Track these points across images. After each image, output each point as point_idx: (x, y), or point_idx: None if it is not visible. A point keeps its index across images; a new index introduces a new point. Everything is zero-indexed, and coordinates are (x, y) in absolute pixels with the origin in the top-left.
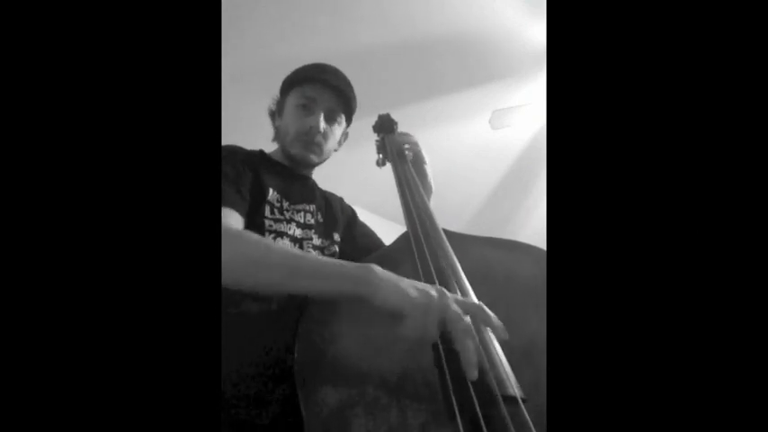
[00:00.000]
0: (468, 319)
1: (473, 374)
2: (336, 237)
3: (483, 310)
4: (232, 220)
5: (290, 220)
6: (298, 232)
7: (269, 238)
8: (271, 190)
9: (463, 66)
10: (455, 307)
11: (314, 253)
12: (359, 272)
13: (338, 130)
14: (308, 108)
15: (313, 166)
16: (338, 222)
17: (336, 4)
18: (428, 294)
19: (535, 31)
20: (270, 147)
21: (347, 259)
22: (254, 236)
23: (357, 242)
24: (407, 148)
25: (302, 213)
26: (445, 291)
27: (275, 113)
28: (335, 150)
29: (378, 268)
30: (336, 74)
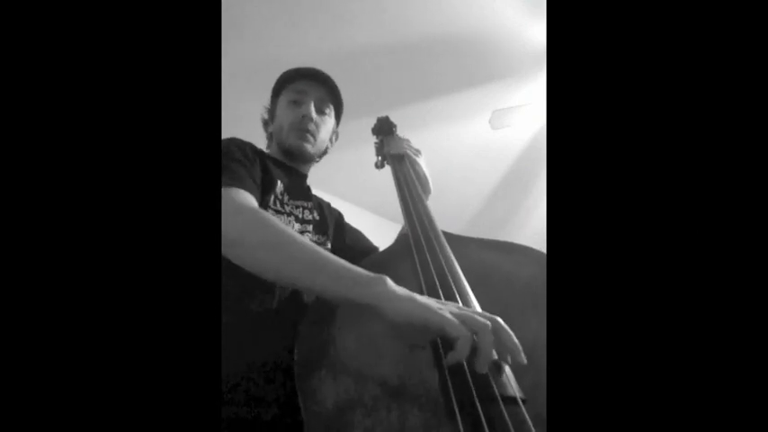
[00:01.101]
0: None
1: (483, 368)
2: (330, 235)
3: (497, 320)
4: (245, 198)
5: (290, 214)
6: (297, 227)
7: (285, 224)
8: (279, 182)
9: (463, 66)
10: (469, 311)
11: None
12: (371, 281)
13: (329, 121)
14: (299, 101)
15: (308, 157)
16: (329, 223)
17: (336, 5)
18: (440, 309)
19: (535, 31)
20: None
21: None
22: (271, 217)
23: (347, 244)
24: (404, 152)
25: (301, 209)
26: (452, 303)
27: (268, 120)
28: (328, 148)
29: (390, 281)
30: (321, 72)
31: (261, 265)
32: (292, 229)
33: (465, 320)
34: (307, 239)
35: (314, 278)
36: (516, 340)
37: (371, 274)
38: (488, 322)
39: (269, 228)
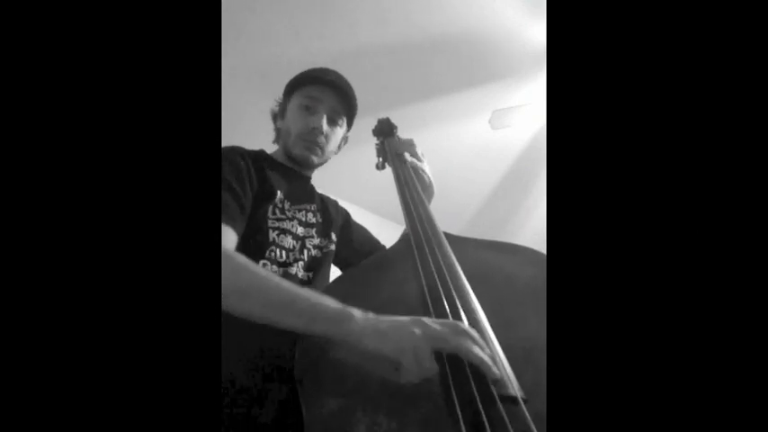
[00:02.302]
0: (457, 337)
1: (495, 374)
2: (333, 236)
3: (465, 329)
4: (226, 239)
5: (292, 219)
6: (300, 231)
7: (255, 265)
8: (278, 192)
9: (463, 66)
10: (441, 329)
11: (314, 252)
12: (337, 318)
13: (339, 132)
14: (311, 109)
15: (313, 167)
16: (334, 223)
17: (336, 5)
18: (411, 333)
19: (535, 32)
20: (269, 148)
21: (344, 259)
22: (246, 262)
23: (353, 244)
24: (408, 156)
25: (304, 212)
26: (423, 319)
27: (277, 115)
28: (335, 153)
29: (356, 313)
30: (339, 77)
31: (237, 310)
32: (296, 232)
33: (440, 345)
34: (274, 279)
35: (286, 320)
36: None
37: (337, 309)
38: (461, 340)
39: (241, 274)
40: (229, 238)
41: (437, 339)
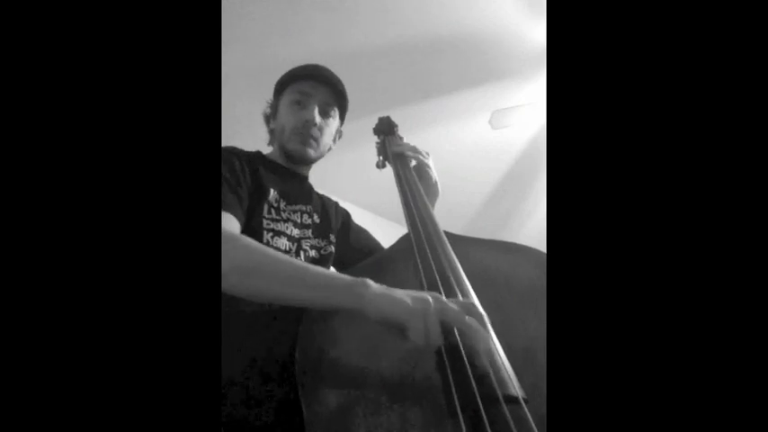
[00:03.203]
0: (468, 317)
1: (486, 365)
2: (332, 238)
3: (478, 310)
4: (228, 224)
5: (287, 220)
6: (295, 232)
7: (264, 245)
8: (271, 190)
9: (463, 66)
10: (454, 306)
11: (311, 252)
12: (352, 285)
13: (333, 124)
14: (302, 103)
15: (310, 161)
16: (333, 224)
17: (336, 5)
18: (424, 300)
19: (535, 32)
20: (266, 150)
21: (342, 260)
22: (250, 242)
23: (352, 245)
24: (411, 157)
25: (299, 213)
26: (440, 296)
27: (269, 116)
28: (330, 148)
29: (371, 282)
30: (328, 71)
31: (243, 289)
32: (291, 234)
33: (450, 318)
34: (284, 256)
35: (296, 292)
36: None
37: (351, 279)
38: (473, 320)
39: (245, 252)
40: (232, 223)
41: (449, 311)
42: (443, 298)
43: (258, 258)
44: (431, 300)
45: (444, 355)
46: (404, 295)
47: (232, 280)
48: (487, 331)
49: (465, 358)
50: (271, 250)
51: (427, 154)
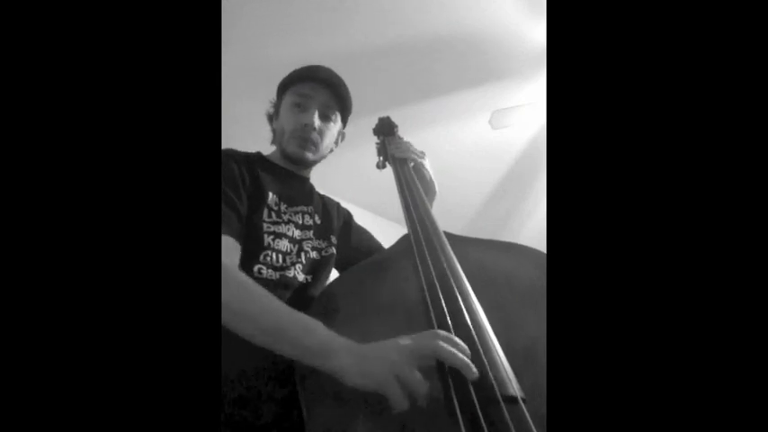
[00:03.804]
0: (438, 343)
1: (473, 375)
2: (333, 239)
3: (449, 337)
4: (227, 248)
5: (288, 222)
6: (296, 233)
7: (256, 285)
8: (270, 194)
9: (463, 66)
10: (419, 346)
11: (312, 254)
12: (327, 352)
13: (334, 127)
14: (302, 106)
15: (309, 164)
16: (335, 225)
17: (336, 5)
18: (391, 363)
19: (535, 32)
20: (267, 149)
21: (344, 261)
22: (239, 282)
23: (353, 245)
24: (408, 159)
25: (300, 215)
26: (399, 341)
27: (272, 116)
28: (332, 150)
29: (342, 348)
30: (331, 73)
31: (231, 327)
32: (292, 236)
33: (427, 359)
34: (272, 302)
35: (278, 348)
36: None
37: (323, 346)
38: (448, 347)
39: (236, 293)
40: (231, 248)
41: (415, 356)
42: (405, 342)
43: (244, 305)
44: (395, 357)
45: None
46: (374, 360)
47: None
48: (457, 345)
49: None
50: (260, 292)
51: (422, 153)
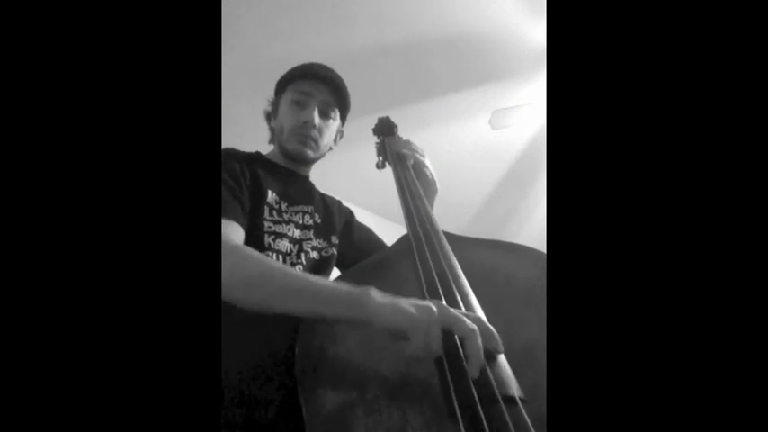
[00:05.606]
0: (471, 323)
1: (475, 373)
2: (334, 239)
3: (482, 320)
4: (232, 232)
5: (288, 222)
6: (297, 233)
7: (266, 257)
8: (270, 192)
9: (464, 66)
10: (457, 314)
11: (313, 254)
12: (355, 296)
13: (333, 125)
14: (302, 103)
15: (309, 162)
16: (336, 224)
17: (336, 5)
18: (429, 309)
19: (535, 32)
20: (266, 149)
21: (346, 259)
22: (253, 253)
23: (355, 244)
24: (408, 155)
25: (300, 214)
26: (445, 305)
27: (271, 115)
28: (331, 148)
29: (374, 292)
30: (329, 70)
31: (250, 302)
32: (292, 236)
33: (452, 325)
34: (288, 268)
35: (302, 305)
36: (494, 332)
37: (355, 292)
38: (474, 327)
39: (251, 263)
40: (235, 231)
41: (451, 318)
42: (446, 306)
43: (263, 271)
44: (434, 308)
45: (444, 358)
46: (407, 304)
47: (238, 293)
48: (494, 337)
49: (464, 363)
50: (274, 262)
51: (422, 153)
